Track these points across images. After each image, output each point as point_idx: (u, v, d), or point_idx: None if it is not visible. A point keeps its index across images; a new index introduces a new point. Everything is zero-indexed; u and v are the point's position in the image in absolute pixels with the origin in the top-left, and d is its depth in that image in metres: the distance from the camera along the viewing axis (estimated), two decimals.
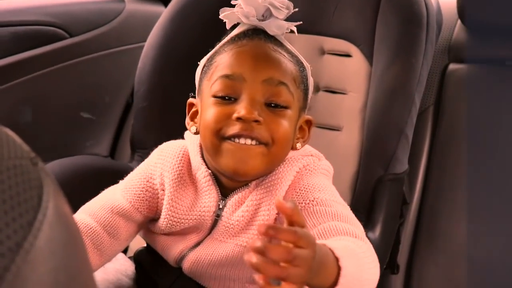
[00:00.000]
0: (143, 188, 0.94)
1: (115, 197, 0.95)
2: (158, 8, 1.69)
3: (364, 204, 1.16)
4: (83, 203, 1.09)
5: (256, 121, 0.80)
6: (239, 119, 0.80)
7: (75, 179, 1.14)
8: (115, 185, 0.98)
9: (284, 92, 0.83)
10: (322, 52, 1.32)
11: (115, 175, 1.22)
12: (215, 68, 0.85)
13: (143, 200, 0.93)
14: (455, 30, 1.47)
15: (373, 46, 1.23)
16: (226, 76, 0.83)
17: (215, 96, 0.83)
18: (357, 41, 1.27)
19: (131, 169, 1.26)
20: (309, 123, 0.91)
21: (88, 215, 0.93)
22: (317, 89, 1.31)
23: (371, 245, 0.75)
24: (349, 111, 1.26)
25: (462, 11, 1.39)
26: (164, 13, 1.36)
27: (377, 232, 1.13)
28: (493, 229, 1.34)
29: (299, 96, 0.87)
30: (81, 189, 1.14)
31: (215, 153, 0.84)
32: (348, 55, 1.28)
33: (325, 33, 1.31)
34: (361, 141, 1.21)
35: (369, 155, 1.17)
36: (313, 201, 0.82)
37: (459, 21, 1.47)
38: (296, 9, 0.87)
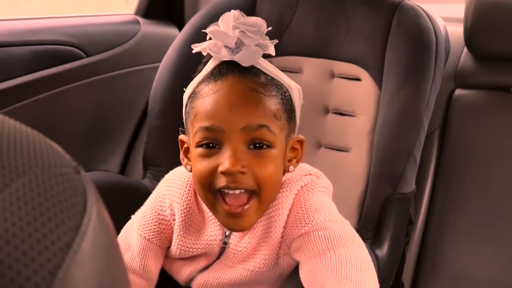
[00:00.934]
0: (156, 222, 0.95)
1: (135, 240, 0.96)
2: (171, 30, 1.73)
3: (372, 222, 1.18)
4: None
5: (241, 172, 0.80)
6: (223, 173, 0.80)
7: None
8: (129, 224, 0.99)
9: (265, 134, 0.81)
10: (332, 75, 1.35)
11: (127, 191, 1.25)
12: (195, 116, 0.83)
13: (159, 233, 0.95)
14: (462, 57, 1.51)
15: (383, 71, 1.26)
16: (205, 128, 0.81)
17: (199, 146, 0.83)
18: (367, 66, 1.30)
19: (143, 186, 1.29)
20: (300, 142, 0.90)
21: None
22: (326, 111, 1.34)
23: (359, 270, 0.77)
24: (358, 133, 1.28)
25: (468, 39, 1.42)
26: (179, 36, 1.40)
27: (384, 249, 1.15)
28: (496, 250, 1.36)
29: (283, 126, 0.84)
30: None
31: (211, 209, 0.86)
32: (358, 79, 1.31)
33: (336, 57, 1.34)
34: (369, 162, 1.24)
35: (378, 175, 1.20)
36: (310, 224, 0.84)
37: (465, 49, 1.51)
38: (270, 28, 0.82)
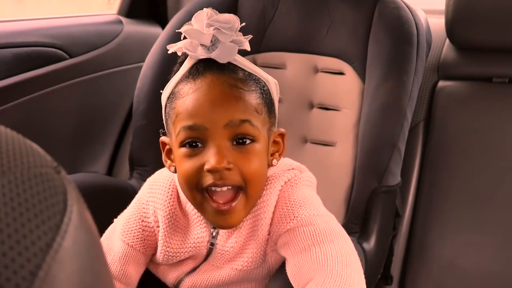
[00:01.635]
0: (139, 228, 0.95)
1: (117, 245, 0.96)
2: (155, 29, 1.73)
3: (358, 216, 1.19)
4: None
5: (227, 168, 0.80)
6: (210, 171, 0.80)
7: None
8: (111, 229, 0.99)
9: (248, 128, 0.81)
10: (316, 70, 1.35)
11: (115, 192, 1.25)
12: (176, 116, 0.83)
13: (142, 240, 0.95)
14: (444, 48, 1.52)
15: (366, 64, 1.27)
16: (188, 127, 0.81)
17: (182, 146, 0.83)
18: (350, 59, 1.30)
19: (130, 186, 1.29)
20: (282, 135, 0.90)
21: None
22: (311, 106, 1.35)
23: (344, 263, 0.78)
24: (343, 127, 1.29)
25: (450, 31, 1.43)
26: (163, 33, 1.39)
27: (371, 243, 1.16)
28: (483, 240, 1.36)
29: (264, 120, 0.84)
30: None
31: (198, 208, 0.86)
32: (341, 73, 1.31)
33: (319, 52, 1.34)
34: (355, 155, 1.24)
35: (363, 168, 1.20)
36: (295, 220, 0.84)
37: (447, 40, 1.52)
38: (243, 24, 0.82)
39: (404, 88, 1.20)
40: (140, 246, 0.95)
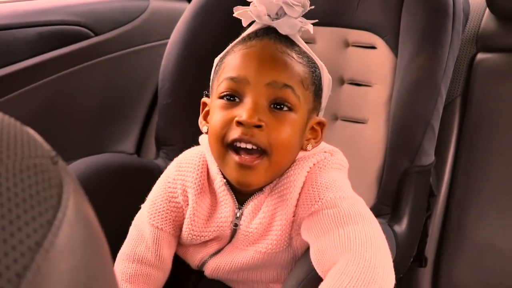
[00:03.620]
0: (168, 209, 0.94)
1: (147, 230, 0.95)
2: (182, 4, 1.70)
3: (390, 197, 1.15)
4: (110, 201, 1.09)
5: (257, 126, 0.79)
6: (240, 123, 0.79)
7: (101, 177, 1.15)
8: (140, 214, 0.98)
9: (289, 95, 0.81)
10: (347, 44, 1.31)
11: (141, 173, 1.24)
12: (223, 69, 0.85)
13: (171, 222, 0.94)
14: (483, 19, 1.45)
15: (398, 38, 1.22)
16: (231, 79, 0.82)
17: (220, 97, 0.83)
18: (382, 33, 1.25)
19: (157, 166, 1.28)
20: (321, 124, 0.89)
21: (139, 262, 0.94)
22: (341, 82, 1.30)
23: (372, 253, 0.75)
24: (375, 103, 1.24)
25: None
26: (188, 9, 1.37)
27: (403, 225, 1.12)
28: None
29: (308, 98, 0.85)
30: (108, 187, 1.15)
31: (221, 162, 0.85)
32: (373, 47, 1.27)
33: (350, 25, 1.29)
34: (387, 133, 1.20)
35: (394, 147, 1.16)
36: (320, 202, 0.82)
37: (487, 10, 1.44)
38: (312, 7, 0.85)
39: (438, 63, 1.15)
40: (170, 228, 0.94)
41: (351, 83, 1.29)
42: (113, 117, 1.56)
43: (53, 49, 1.34)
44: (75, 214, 0.37)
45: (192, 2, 1.37)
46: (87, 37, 1.43)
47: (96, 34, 1.45)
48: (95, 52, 1.45)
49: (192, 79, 1.32)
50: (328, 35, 1.31)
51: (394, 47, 1.23)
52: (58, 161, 0.39)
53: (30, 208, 0.35)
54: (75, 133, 1.47)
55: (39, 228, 0.33)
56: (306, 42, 1.30)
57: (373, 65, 1.26)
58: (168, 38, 1.38)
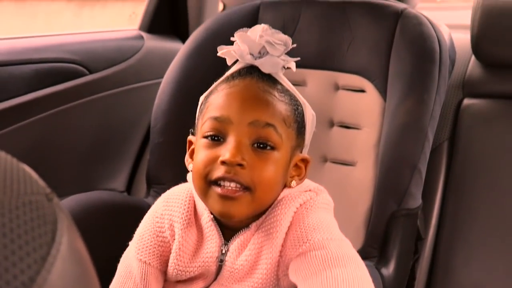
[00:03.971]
0: (155, 244, 0.94)
1: (135, 265, 0.94)
2: (176, 44, 1.73)
3: (377, 240, 1.15)
4: (99, 239, 1.09)
5: (240, 164, 0.80)
6: (223, 162, 0.80)
7: (91, 215, 1.15)
8: (128, 251, 0.98)
9: (271, 134, 0.82)
10: (337, 87, 1.33)
11: (131, 211, 1.24)
12: (207, 108, 0.86)
13: (159, 256, 0.94)
14: (470, 65, 1.48)
15: (387, 82, 1.24)
16: (215, 118, 0.83)
17: (204, 137, 0.84)
18: (371, 77, 1.27)
19: (147, 205, 1.28)
20: (305, 161, 0.90)
21: None
22: (331, 124, 1.32)
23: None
24: (363, 146, 1.26)
25: (476, 47, 1.40)
26: (181, 49, 1.39)
27: (391, 268, 1.12)
28: (510, 265, 1.31)
29: (291, 136, 0.85)
30: (97, 224, 1.15)
31: (204, 196, 0.85)
32: (362, 91, 1.29)
33: (340, 68, 1.31)
34: (375, 176, 1.21)
35: (382, 190, 1.17)
36: (308, 243, 0.82)
37: (473, 57, 1.48)
38: (294, 45, 0.86)
39: (425, 107, 1.17)
40: (157, 263, 0.93)
41: (340, 126, 1.31)
42: (105, 154, 1.56)
43: (48, 86, 1.36)
44: (68, 251, 0.37)
45: (186, 43, 1.39)
46: (82, 75, 1.44)
47: (91, 72, 1.47)
48: (89, 89, 1.47)
49: (185, 119, 1.33)
50: (319, 78, 1.33)
51: (382, 91, 1.25)
52: (53, 198, 0.40)
53: (25, 244, 0.35)
54: (67, 170, 1.47)
55: (33, 264, 0.34)
56: (296, 85, 1.33)
57: (362, 108, 1.28)
58: (162, 77, 1.40)
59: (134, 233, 0.99)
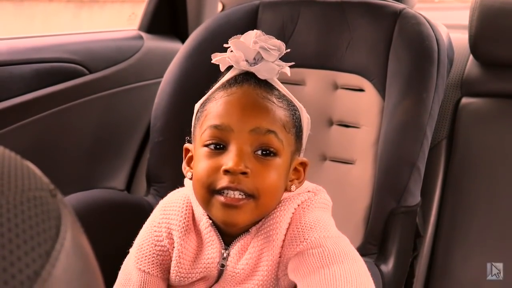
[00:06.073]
0: (154, 253, 0.94)
1: (134, 274, 0.94)
2: (175, 44, 1.73)
3: (376, 237, 1.16)
4: (99, 236, 1.09)
5: (243, 173, 0.80)
6: (226, 171, 0.80)
7: (92, 213, 1.15)
8: (128, 259, 0.97)
9: (273, 140, 0.82)
10: (336, 87, 1.33)
11: (131, 209, 1.24)
12: (205, 116, 0.85)
13: (158, 265, 0.94)
14: (468, 64, 1.49)
15: (386, 81, 1.25)
16: (215, 127, 0.82)
17: (205, 145, 0.83)
18: (370, 76, 1.28)
19: (147, 203, 1.28)
20: (304, 164, 0.90)
21: None
22: (330, 123, 1.33)
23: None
24: (362, 144, 1.27)
25: (474, 46, 1.40)
26: (181, 49, 1.39)
27: (390, 265, 1.13)
28: (508, 262, 1.32)
29: (290, 141, 0.85)
30: (98, 222, 1.15)
31: (206, 205, 0.85)
32: (361, 90, 1.29)
33: (338, 68, 1.32)
34: (374, 174, 1.22)
35: (381, 188, 1.17)
36: (305, 242, 0.83)
37: (471, 56, 1.48)
38: (288, 50, 0.85)
39: (423, 106, 1.17)
40: (157, 271, 0.93)
41: (339, 125, 1.32)
42: (105, 153, 1.57)
43: (48, 85, 1.36)
44: (72, 246, 0.38)
45: (186, 43, 1.40)
46: (81, 74, 1.44)
47: (91, 72, 1.47)
48: (89, 89, 1.47)
49: (184, 118, 1.32)
50: (318, 77, 1.34)
51: (381, 90, 1.26)
52: (56, 194, 0.40)
53: (30, 238, 0.35)
54: (67, 169, 1.47)
55: (38, 258, 0.34)
56: (296, 84, 1.34)
57: (361, 107, 1.28)
58: (161, 77, 1.40)
59: (134, 231, 0.99)
